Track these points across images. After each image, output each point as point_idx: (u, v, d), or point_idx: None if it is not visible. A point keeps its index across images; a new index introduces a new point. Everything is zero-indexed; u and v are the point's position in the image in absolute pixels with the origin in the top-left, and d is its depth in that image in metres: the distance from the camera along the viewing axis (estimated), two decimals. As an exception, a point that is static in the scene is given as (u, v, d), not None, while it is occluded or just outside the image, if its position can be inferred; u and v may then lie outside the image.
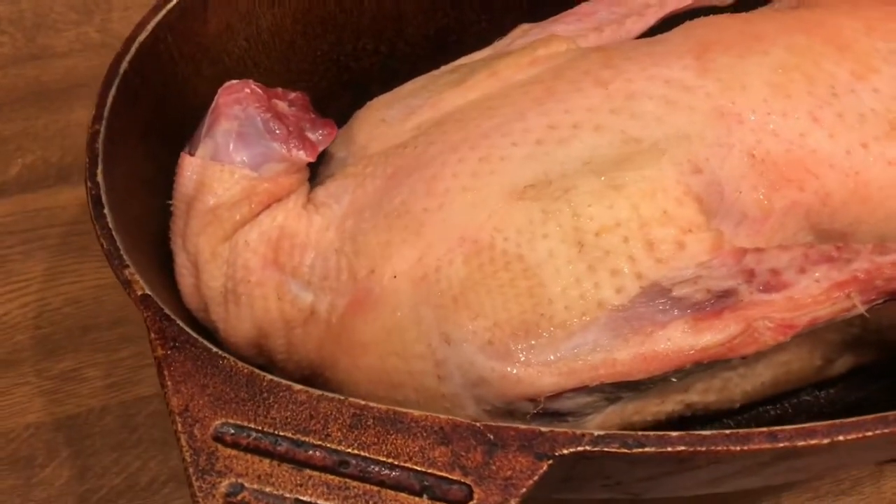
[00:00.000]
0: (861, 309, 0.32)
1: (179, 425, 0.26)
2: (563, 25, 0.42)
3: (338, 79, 0.46)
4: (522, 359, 0.31)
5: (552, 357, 0.31)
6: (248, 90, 0.36)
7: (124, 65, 0.35)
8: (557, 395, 0.31)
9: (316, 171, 0.40)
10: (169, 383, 0.27)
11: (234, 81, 0.36)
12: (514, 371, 0.31)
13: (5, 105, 0.55)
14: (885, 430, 0.27)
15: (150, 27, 0.36)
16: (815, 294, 0.32)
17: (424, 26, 0.48)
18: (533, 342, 0.32)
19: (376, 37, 0.46)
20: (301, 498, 0.25)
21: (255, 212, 0.36)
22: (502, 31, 0.45)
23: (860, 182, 0.36)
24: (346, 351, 0.34)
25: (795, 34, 0.38)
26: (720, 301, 0.32)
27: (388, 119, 0.39)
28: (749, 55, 0.37)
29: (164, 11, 0.36)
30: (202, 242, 0.36)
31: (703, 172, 0.34)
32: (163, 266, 0.37)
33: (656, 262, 0.33)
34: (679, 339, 0.32)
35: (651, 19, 0.42)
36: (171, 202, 0.37)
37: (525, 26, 0.43)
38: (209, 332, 0.37)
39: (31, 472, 0.43)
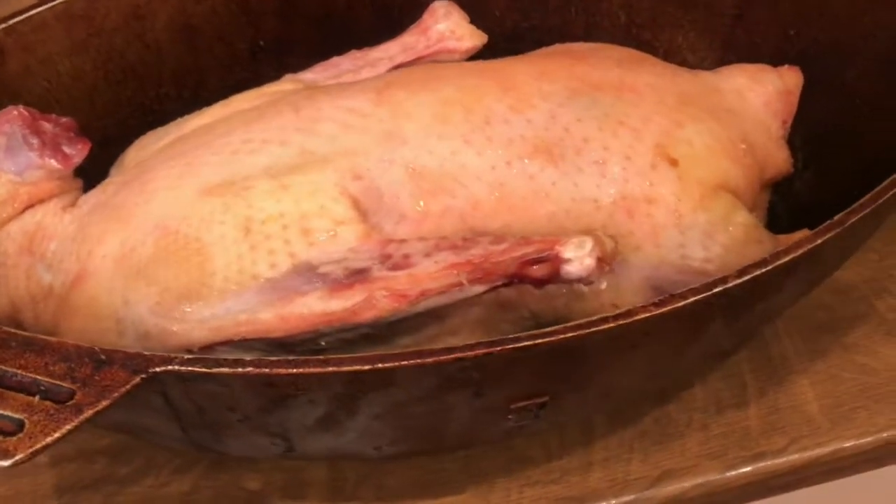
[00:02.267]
0: (469, 287, 0.39)
1: None
2: (311, 74, 0.51)
3: (144, 119, 0.55)
4: (179, 317, 0.39)
5: (205, 316, 0.39)
6: (16, 112, 0.45)
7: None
8: (209, 348, 0.38)
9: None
10: None
11: (9, 107, 0.45)
12: (173, 327, 0.39)
13: None
14: (424, 361, 0.33)
15: (-54, 62, 0.45)
16: (431, 272, 0.39)
17: (225, 78, 0.57)
18: (191, 305, 0.39)
19: (179, 85, 0.56)
20: (-58, 395, 0.32)
21: (19, 209, 0.45)
22: (289, 82, 0.53)
23: (505, 192, 0.43)
24: (65, 316, 0.42)
25: (469, 77, 0.46)
26: (354, 276, 0.39)
27: (147, 144, 0.48)
28: (422, 91, 0.45)
29: (-40, 50, 0.46)
30: (-26, 234, 0.45)
31: (363, 179, 0.42)
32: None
33: (309, 245, 0.40)
34: (314, 305, 0.39)
35: (381, 69, 0.51)
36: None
37: (287, 77, 0.52)
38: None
39: None
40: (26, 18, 0.48)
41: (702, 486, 0.50)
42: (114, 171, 0.48)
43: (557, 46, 0.53)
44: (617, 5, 0.59)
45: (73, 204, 0.46)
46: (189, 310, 0.39)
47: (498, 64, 0.48)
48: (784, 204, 0.55)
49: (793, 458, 0.50)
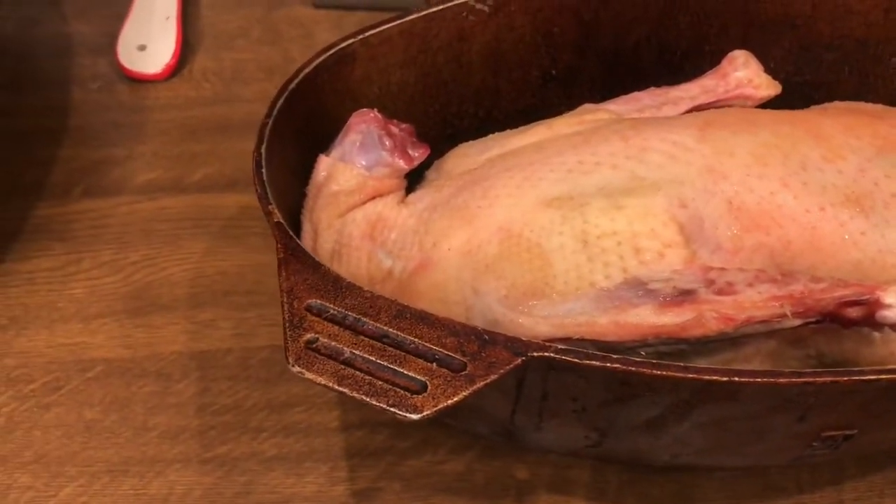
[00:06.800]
0: (791, 319, 0.42)
1: (285, 298, 0.40)
2: (614, 105, 0.55)
3: (443, 131, 0.60)
4: (525, 311, 0.43)
5: (548, 313, 0.43)
6: (372, 115, 0.51)
7: (292, 85, 0.51)
8: (549, 342, 0.43)
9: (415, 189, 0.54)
10: (283, 274, 0.41)
11: (365, 109, 0.51)
12: (520, 319, 0.43)
13: (201, 131, 0.73)
14: (776, 380, 0.36)
15: (313, 65, 0.52)
16: (756, 300, 0.42)
17: (515, 102, 0.61)
18: (536, 302, 0.44)
19: (477, 104, 0.61)
20: (354, 351, 0.38)
21: (363, 200, 0.50)
22: (575, 111, 0.58)
23: (816, 235, 0.46)
24: (406, 298, 0.47)
25: (783, 124, 0.49)
26: (683, 296, 0.43)
27: (469, 154, 0.53)
28: (741, 133, 0.49)
29: (324, 56, 0.52)
30: (323, 216, 0.50)
31: (688, 208, 0.46)
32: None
33: (639, 263, 0.44)
34: (646, 317, 0.43)
35: (682, 109, 0.54)
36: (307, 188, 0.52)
37: (587, 106, 0.57)
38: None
39: (169, 384, 0.58)
40: (378, 32, 0.54)
41: (955, 539, 0.51)
42: (433, 175, 0.54)
43: (846, 104, 0.56)
44: (894, 69, 0.61)
45: (403, 200, 0.51)
46: (534, 305, 0.43)
47: (804, 115, 0.51)
48: None
49: None
